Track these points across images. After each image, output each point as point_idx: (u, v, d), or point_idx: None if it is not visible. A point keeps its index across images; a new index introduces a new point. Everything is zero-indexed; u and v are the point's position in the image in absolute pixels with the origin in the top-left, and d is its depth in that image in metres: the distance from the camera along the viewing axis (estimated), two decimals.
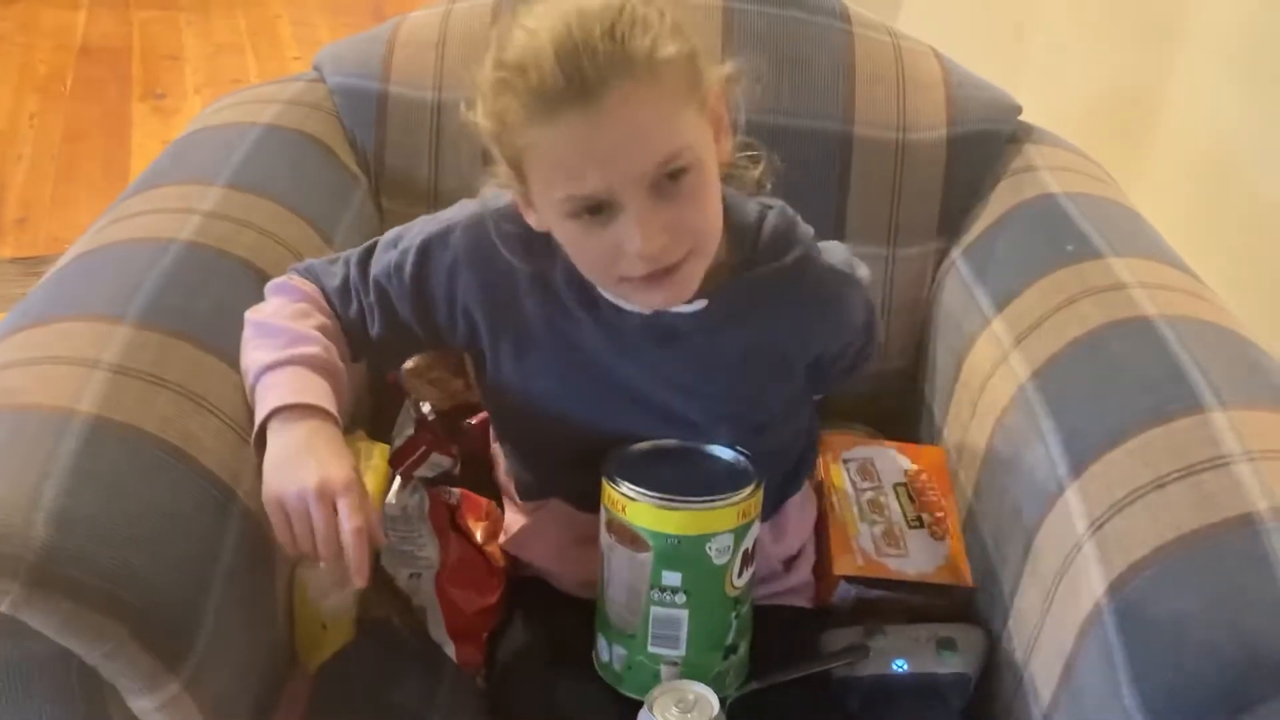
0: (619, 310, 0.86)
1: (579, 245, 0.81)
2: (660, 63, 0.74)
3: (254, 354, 0.88)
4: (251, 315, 0.91)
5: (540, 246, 0.86)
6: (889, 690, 0.95)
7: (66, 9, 3.40)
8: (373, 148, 1.24)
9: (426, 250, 0.91)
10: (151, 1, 3.49)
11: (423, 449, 1.05)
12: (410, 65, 1.24)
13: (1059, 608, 0.87)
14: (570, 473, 0.89)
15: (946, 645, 0.96)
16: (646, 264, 0.78)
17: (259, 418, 0.86)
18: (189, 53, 3.24)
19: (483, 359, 0.93)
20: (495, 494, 1.05)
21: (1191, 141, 1.44)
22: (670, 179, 0.77)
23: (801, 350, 0.93)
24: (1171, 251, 1.11)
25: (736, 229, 0.87)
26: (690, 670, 0.86)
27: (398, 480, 1.03)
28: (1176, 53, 1.50)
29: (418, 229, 0.93)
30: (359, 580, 0.81)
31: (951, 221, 1.25)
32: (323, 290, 0.94)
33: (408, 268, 0.91)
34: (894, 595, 1.02)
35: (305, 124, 1.21)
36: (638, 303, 0.85)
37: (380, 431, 1.11)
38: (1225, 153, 1.39)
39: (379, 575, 0.98)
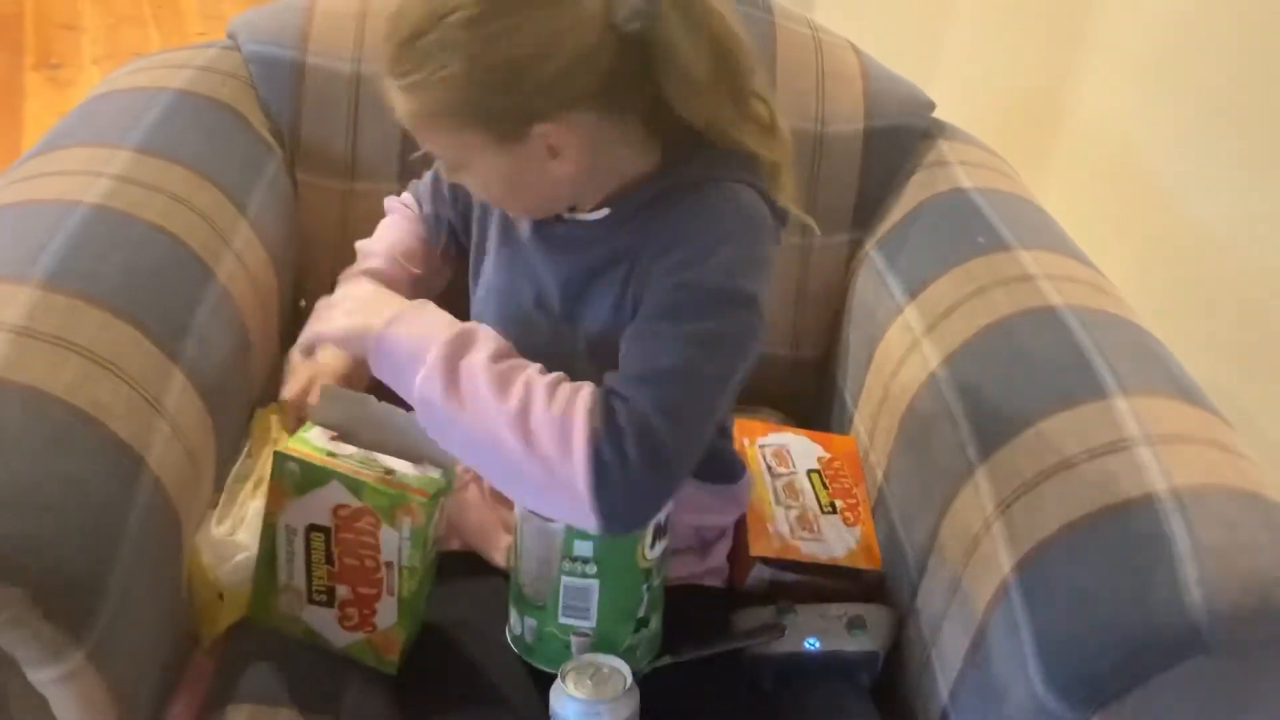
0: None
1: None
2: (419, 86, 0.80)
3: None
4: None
5: None
6: (801, 667, 0.96)
7: None
8: (288, 118, 1.21)
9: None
10: None
11: None
12: (329, 35, 1.22)
13: (967, 585, 0.89)
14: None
15: (856, 624, 0.97)
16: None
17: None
18: (86, 22, 3.13)
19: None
20: None
21: (1095, 141, 1.49)
22: (445, 161, 0.89)
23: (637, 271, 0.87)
24: (1075, 246, 1.15)
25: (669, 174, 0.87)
26: (601, 642, 0.86)
27: None
28: (1082, 56, 1.55)
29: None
30: None
31: (866, 213, 1.27)
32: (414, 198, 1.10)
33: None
34: (807, 578, 1.04)
35: (218, 91, 1.18)
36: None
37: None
38: (1126, 153, 1.44)
39: None
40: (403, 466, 0.87)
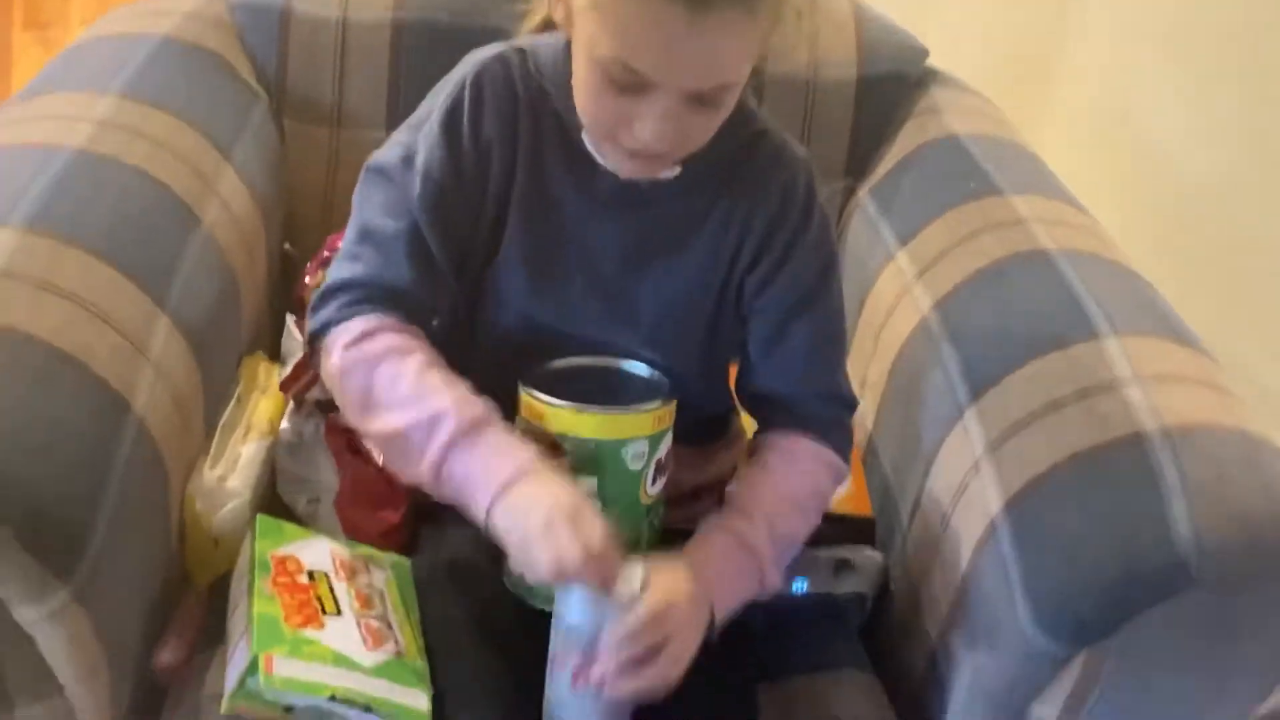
0: (596, 171, 0.85)
1: (592, 91, 0.79)
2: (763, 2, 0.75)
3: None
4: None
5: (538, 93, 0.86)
6: (789, 609, 0.96)
7: None
8: (274, 66, 1.20)
9: (450, 125, 0.85)
10: None
11: (312, 372, 1.03)
12: None
13: (956, 526, 0.89)
14: (497, 383, 0.87)
15: (844, 567, 0.98)
16: (642, 146, 0.78)
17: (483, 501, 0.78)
18: None
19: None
20: None
21: (1089, 95, 1.49)
22: (709, 94, 0.78)
23: (751, 241, 0.89)
24: (1067, 191, 1.14)
25: None
26: None
27: (290, 404, 1.01)
28: (1078, 9, 1.54)
29: (411, 131, 0.87)
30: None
31: (859, 161, 1.27)
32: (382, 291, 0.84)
33: (438, 165, 0.85)
34: None
35: (203, 38, 1.17)
36: (612, 163, 0.84)
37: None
38: (1119, 106, 1.44)
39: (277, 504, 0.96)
40: None
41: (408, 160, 0.85)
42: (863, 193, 1.24)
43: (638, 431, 0.83)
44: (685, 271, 0.89)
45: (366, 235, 0.85)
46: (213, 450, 0.95)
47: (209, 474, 0.92)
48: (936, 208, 1.12)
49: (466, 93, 0.85)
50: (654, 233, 0.88)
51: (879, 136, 1.26)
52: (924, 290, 1.06)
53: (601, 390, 0.85)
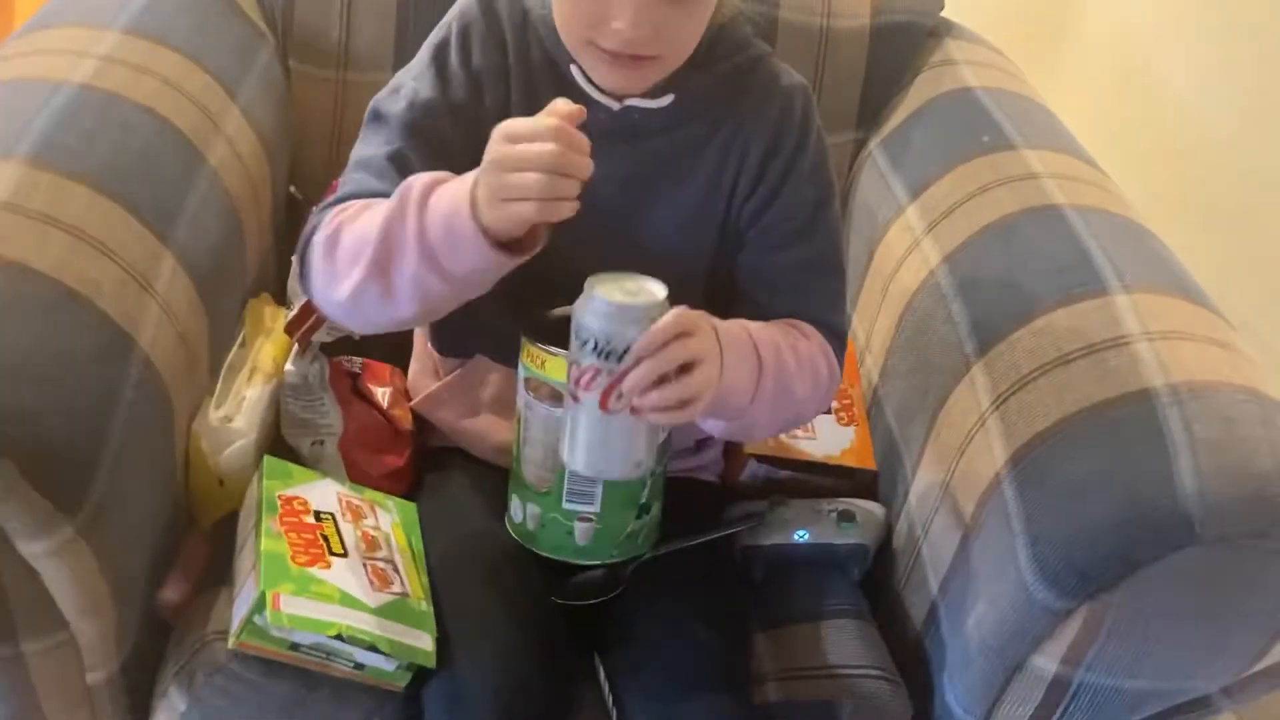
0: (590, 104, 0.82)
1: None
2: None
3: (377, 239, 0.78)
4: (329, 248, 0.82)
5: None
6: (790, 559, 0.97)
7: None
8: (281, 6, 1.19)
9: (439, 56, 0.86)
10: None
11: (316, 314, 1.02)
12: None
13: (960, 479, 0.89)
14: (501, 322, 0.87)
15: (846, 518, 0.98)
16: (620, 44, 0.78)
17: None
18: None
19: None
20: (396, 358, 1.03)
21: (1104, 48, 1.47)
22: None
23: (748, 170, 0.88)
24: (1081, 147, 1.13)
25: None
26: (604, 528, 0.86)
27: (295, 347, 1.00)
28: None
29: (405, 73, 0.88)
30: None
31: (870, 112, 1.25)
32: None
33: (426, 90, 0.85)
34: (801, 476, 1.04)
35: None
36: (598, 76, 0.84)
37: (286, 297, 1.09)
38: (1136, 58, 1.42)
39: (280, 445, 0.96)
40: (372, 660, 0.80)
41: (395, 91, 0.86)
42: (874, 144, 1.23)
43: None
44: (685, 203, 0.88)
45: (355, 165, 0.86)
46: (217, 391, 0.95)
47: (214, 414, 0.92)
48: (948, 161, 1.11)
49: (454, 27, 0.87)
50: (651, 165, 0.87)
51: (891, 87, 1.25)
52: (933, 244, 1.05)
53: None
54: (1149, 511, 0.75)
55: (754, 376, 0.81)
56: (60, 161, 0.86)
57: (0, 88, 0.93)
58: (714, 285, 0.91)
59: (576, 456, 0.79)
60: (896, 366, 1.06)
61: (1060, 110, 1.22)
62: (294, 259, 1.08)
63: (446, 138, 0.85)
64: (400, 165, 0.83)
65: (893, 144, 1.21)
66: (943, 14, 1.30)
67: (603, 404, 0.76)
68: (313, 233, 0.83)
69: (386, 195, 0.80)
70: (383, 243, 0.77)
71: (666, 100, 0.85)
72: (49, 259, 0.79)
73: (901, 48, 1.25)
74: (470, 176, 0.76)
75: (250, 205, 1.06)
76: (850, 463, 1.06)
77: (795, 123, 0.88)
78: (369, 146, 0.86)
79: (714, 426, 0.86)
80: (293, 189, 1.21)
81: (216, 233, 0.99)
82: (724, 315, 0.89)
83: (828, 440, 1.06)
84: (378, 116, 0.87)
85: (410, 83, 0.86)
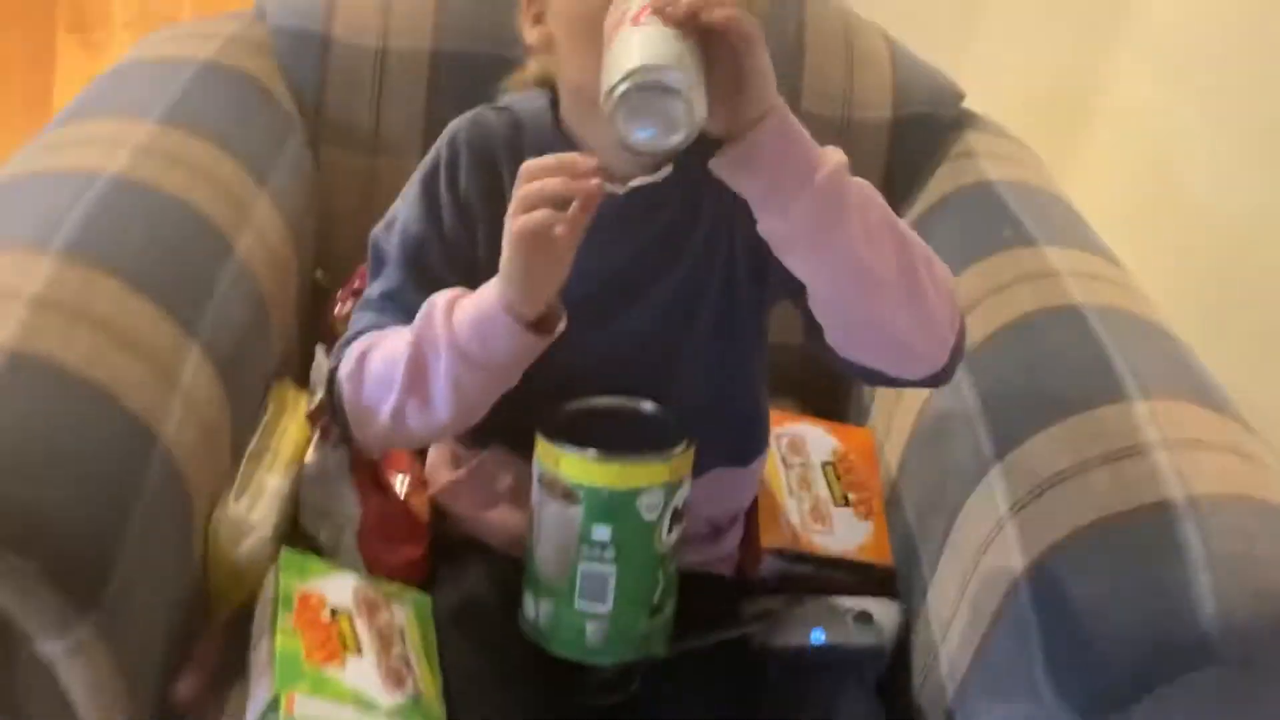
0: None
1: (585, 59, 0.78)
2: None
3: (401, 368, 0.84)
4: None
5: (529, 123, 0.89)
6: (805, 660, 0.96)
7: None
8: (312, 93, 1.21)
9: (428, 185, 0.90)
10: None
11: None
12: (356, 11, 1.21)
13: (977, 585, 0.89)
14: (520, 413, 0.88)
15: (863, 618, 0.97)
16: None
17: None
18: None
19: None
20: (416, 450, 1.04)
21: (1126, 136, 1.48)
22: None
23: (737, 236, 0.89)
24: (1102, 243, 1.13)
25: None
26: (617, 628, 0.86)
27: (316, 436, 1.01)
28: (1114, 52, 1.53)
29: (400, 201, 0.92)
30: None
31: (891, 204, 1.25)
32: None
33: (416, 223, 0.89)
34: (817, 571, 1.03)
35: (244, 63, 1.18)
36: (619, 162, 0.82)
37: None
38: (1156, 152, 1.43)
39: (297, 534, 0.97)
40: None
41: (389, 225, 0.91)
42: None
43: (653, 481, 0.83)
44: (683, 276, 0.90)
45: (362, 305, 0.91)
46: (238, 480, 0.96)
47: (233, 505, 0.93)
48: (968, 256, 1.11)
49: (443, 153, 0.90)
50: (661, 233, 0.89)
51: (912, 180, 1.26)
52: None
53: (618, 433, 0.85)
54: (1167, 632, 0.74)
55: (843, 191, 0.81)
56: (93, 256, 0.88)
57: (41, 180, 0.96)
58: (729, 342, 0.92)
59: (633, 56, 0.71)
60: (915, 463, 1.06)
61: (1080, 199, 1.22)
62: (319, 348, 1.10)
63: (439, 274, 0.88)
64: (401, 303, 0.87)
65: None
66: (963, 104, 1.31)
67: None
68: (334, 370, 0.85)
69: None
70: (415, 357, 0.82)
71: (666, 172, 0.86)
72: (77, 354, 0.81)
73: (922, 140, 1.26)
74: (491, 281, 0.79)
75: (276, 290, 1.08)
76: (868, 558, 1.05)
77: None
78: (372, 286, 0.91)
79: (823, 276, 0.82)
80: (319, 274, 1.22)
81: (242, 319, 1.00)
82: (751, 386, 0.95)
83: (844, 535, 1.06)
84: (376, 254, 0.91)
85: (402, 215, 0.90)
